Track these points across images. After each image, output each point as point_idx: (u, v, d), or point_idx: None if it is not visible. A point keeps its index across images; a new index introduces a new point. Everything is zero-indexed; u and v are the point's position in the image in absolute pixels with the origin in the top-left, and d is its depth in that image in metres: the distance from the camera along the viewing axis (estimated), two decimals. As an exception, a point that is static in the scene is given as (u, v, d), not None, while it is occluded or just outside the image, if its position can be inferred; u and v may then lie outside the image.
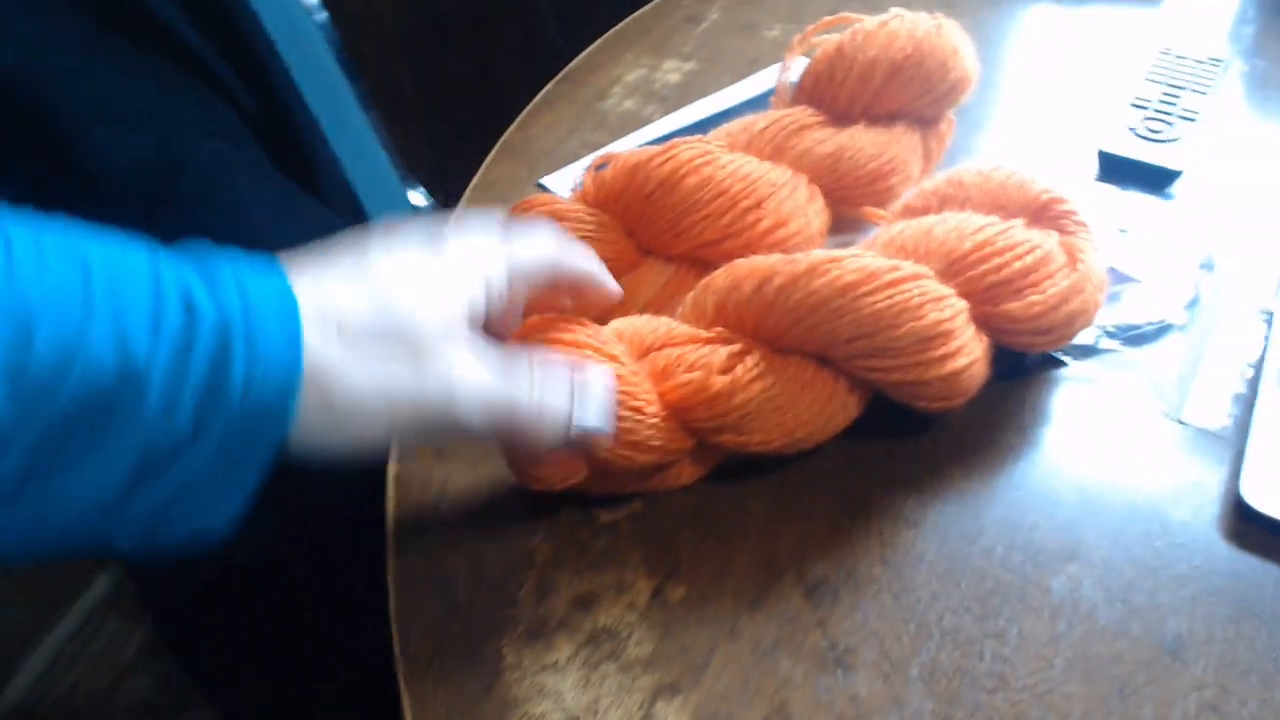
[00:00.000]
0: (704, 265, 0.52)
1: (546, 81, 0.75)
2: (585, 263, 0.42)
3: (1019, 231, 0.45)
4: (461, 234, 0.38)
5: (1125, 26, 0.76)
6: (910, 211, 0.51)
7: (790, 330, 0.43)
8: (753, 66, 0.74)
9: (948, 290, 0.43)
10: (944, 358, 0.42)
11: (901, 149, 0.56)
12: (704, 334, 0.45)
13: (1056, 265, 0.45)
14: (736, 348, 0.44)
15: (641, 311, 0.50)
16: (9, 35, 0.74)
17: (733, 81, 0.73)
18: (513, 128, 0.70)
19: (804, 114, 0.56)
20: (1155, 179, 0.60)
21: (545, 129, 0.70)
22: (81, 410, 0.28)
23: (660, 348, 0.44)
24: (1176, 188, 0.60)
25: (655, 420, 0.42)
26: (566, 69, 0.76)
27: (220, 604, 0.77)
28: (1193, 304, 0.53)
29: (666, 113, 0.70)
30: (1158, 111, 0.63)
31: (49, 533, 0.30)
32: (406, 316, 0.34)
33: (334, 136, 0.97)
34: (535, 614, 0.43)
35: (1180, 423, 0.47)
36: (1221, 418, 0.47)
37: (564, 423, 0.37)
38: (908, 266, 0.43)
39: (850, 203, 0.56)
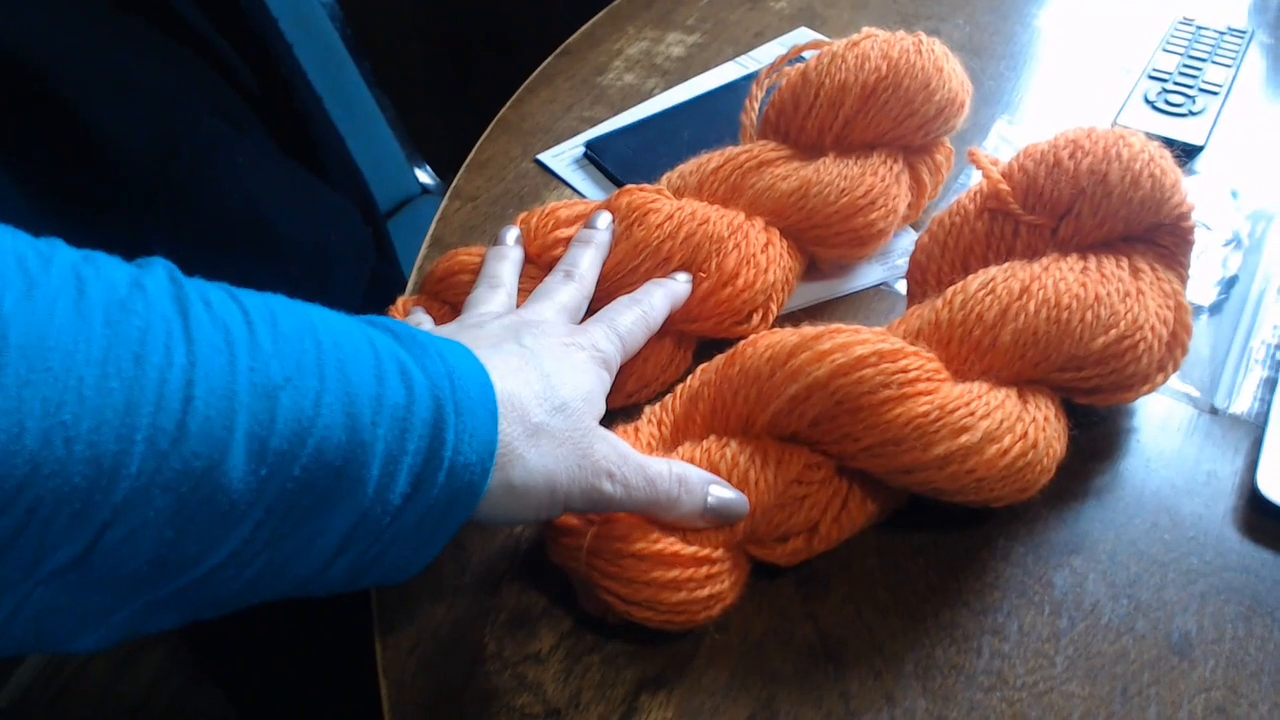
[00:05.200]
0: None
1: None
2: (665, 306, 0.46)
3: (1122, 306, 0.39)
4: (586, 329, 0.42)
5: (1147, -4, 0.73)
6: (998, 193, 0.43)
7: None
8: (758, 39, 0.72)
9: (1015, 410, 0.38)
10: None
11: (879, 180, 0.49)
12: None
13: (1163, 341, 0.41)
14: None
15: None
16: (11, 11, 0.73)
17: (737, 54, 0.71)
18: (509, 104, 0.68)
19: (765, 149, 0.50)
20: (1175, 154, 0.57)
21: (542, 105, 0.68)
22: (311, 483, 0.27)
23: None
24: (1199, 163, 0.58)
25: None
26: (565, 43, 0.74)
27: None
28: (1220, 284, 0.51)
29: (668, 87, 0.68)
30: (1177, 84, 0.60)
31: (256, 594, 0.30)
32: (567, 403, 0.35)
33: (338, 115, 0.96)
34: (519, 603, 0.42)
35: (1213, 409, 0.45)
36: (1250, 402, 0.45)
37: (701, 495, 0.37)
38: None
39: (826, 244, 0.50)
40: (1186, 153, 0.57)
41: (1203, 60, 0.62)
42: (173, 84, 0.83)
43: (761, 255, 0.47)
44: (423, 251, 0.59)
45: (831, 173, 0.49)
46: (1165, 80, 0.61)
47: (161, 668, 1.18)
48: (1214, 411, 0.45)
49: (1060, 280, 0.39)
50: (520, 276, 0.47)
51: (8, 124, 0.74)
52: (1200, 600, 0.39)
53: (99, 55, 0.78)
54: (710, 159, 0.51)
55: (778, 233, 0.49)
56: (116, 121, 0.77)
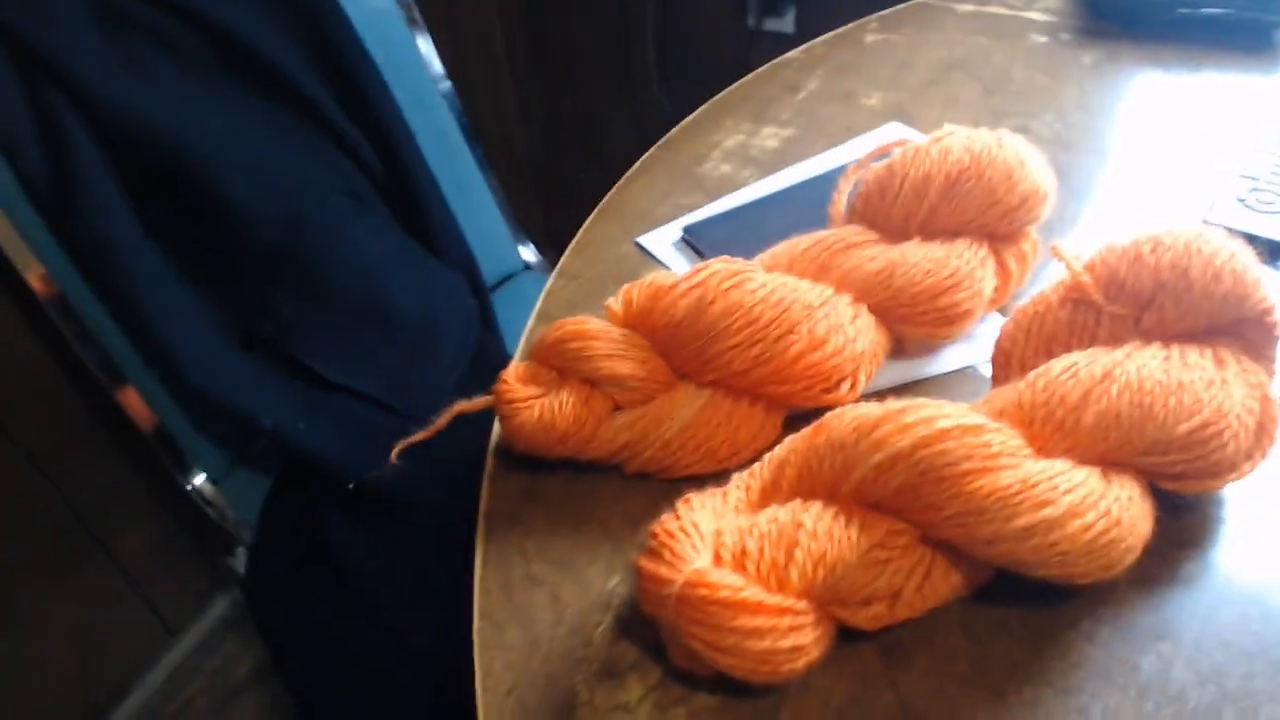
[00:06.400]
0: (740, 392, 0.50)
1: (654, 143, 0.79)
2: None
3: (1206, 394, 0.40)
4: None
5: (1234, 97, 0.75)
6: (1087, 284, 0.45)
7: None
8: (849, 133, 0.76)
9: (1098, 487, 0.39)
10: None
11: (964, 263, 0.52)
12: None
13: (1249, 430, 0.42)
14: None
15: (680, 434, 0.49)
16: (160, 99, 0.83)
17: (828, 147, 0.75)
18: (613, 191, 0.74)
19: (853, 232, 0.54)
20: (1267, 252, 0.58)
21: (642, 191, 0.73)
22: None
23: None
24: (1290, 261, 0.58)
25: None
26: (667, 136, 0.79)
27: (325, 632, 0.81)
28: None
29: (762, 176, 0.73)
30: (1269, 183, 0.61)
31: None
32: None
33: (452, 195, 1.03)
34: (610, 654, 0.44)
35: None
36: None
37: None
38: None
39: (913, 323, 0.52)
40: (1277, 251, 0.58)
41: (1295, 160, 0.63)
42: (303, 164, 0.91)
43: (850, 326, 0.50)
44: (530, 324, 0.63)
45: (917, 255, 0.52)
46: (1256, 180, 0.62)
47: (259, 713, 1.23)
48: (1306, 504, 0.45)
49: (1143, 366, 0.41)
50: (623, 343, 0.51)
51: (158, 199, 0.83)
52: (1291, 692, 0.39)
53: (238, 137, 0.87)
54: (800, 241, 0.54)
55: (865, 308, 0.52)
56: (251, 198, 0.85)
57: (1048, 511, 0.37)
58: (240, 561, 0.89)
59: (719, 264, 0.51)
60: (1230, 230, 0.59)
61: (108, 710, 1.20)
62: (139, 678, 1.23)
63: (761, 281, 0.50)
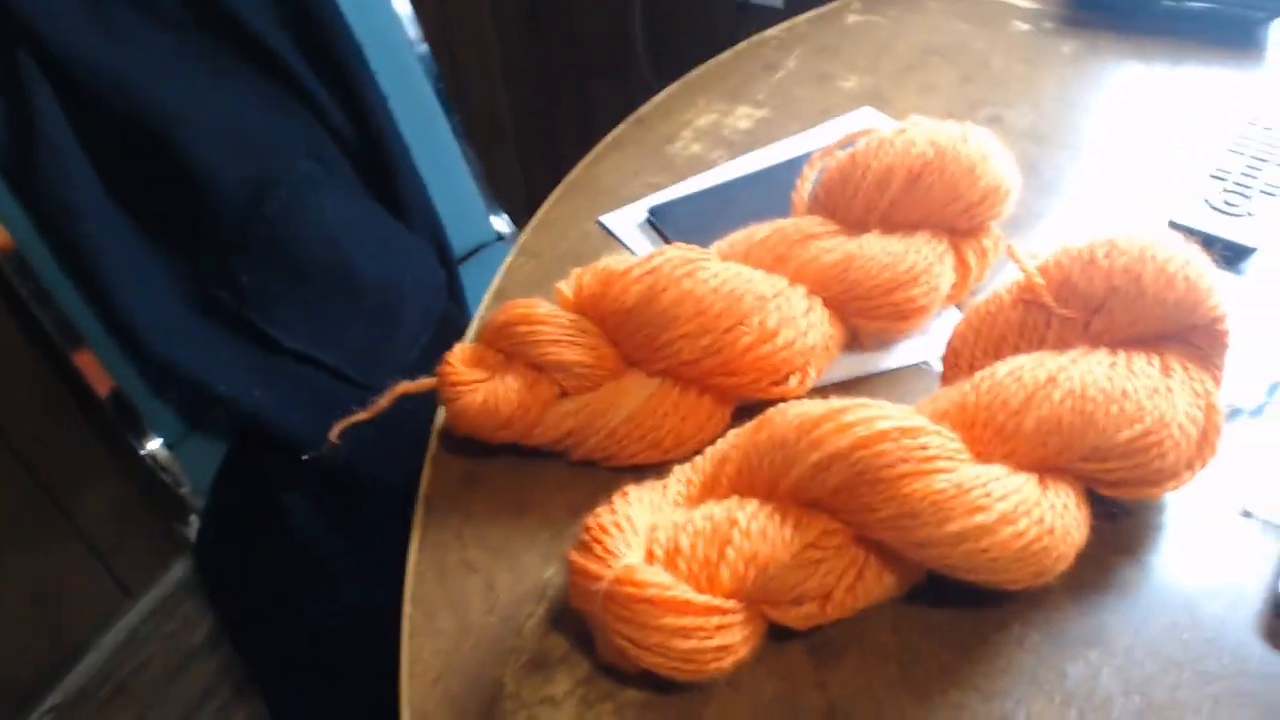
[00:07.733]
0: (689, 381, 0.49)
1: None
2: None
3: (1149, 402, 0.40)
4: None
5: (1214, 93, 0.74)
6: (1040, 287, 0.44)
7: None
8: (823, 116, 0.75)
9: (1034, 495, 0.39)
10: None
11: (922, 258, 0.51)
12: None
13: (1191, 440, 0.41)
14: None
15: (626, 423, 0.48)
16: (133, 59, 0.81)
17: (801, 129, 0.73)
18: (579, 167, 0.72)
19: (812, 223, 0.53)
20: (1228, 255, 0.57)
21: (611, 168, 0.72)
22: None
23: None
24: (1250, 265, 0.58)
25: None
26: (638, 113, 0.77)
27: (274, 600, 0.81)
28: (1269, 388, 0.51)
29: (732, 158, 0.71)
30: (1237, 184, 0.61)
31: None
32: None
33: (426, 163, 1.01)
34: (540, 646, 0.43)
35: (1245, 513, 0.45)
36: (1283, 510, 0.45)
37: None
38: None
39: (867, 316, 0.52)
40: (1239, 254, 0.57)
41: (1265, 161, 0.62)
42: (272, 128, 0.89)
43: (803, 319, 0.49)
44: (485, 302, 0.62)
45: (875, 248, 0.51)
46: (1225, 180, 0.61)
47: (213, 677, 1.23)
48: (1246, 515, 0.45)
49: (1087, 373, 0.40)
50: (572, 329, 0.50)
51: (122, 162, 0.82)
52: (1214, 703, 0.39)
53: (206, 98, 0.85)
54: (758, 230, 0.53)
55: (820, 301, 0.51)
56: (217, 161, 0.84)
57: (980, 517, 0.37)
58: (194, 529, 0.89)
59: (673, 251, 0.50)
60: (1194, 232, 0.58)
61: (64, 670, 1.20)
62: (96, 639, 1.23)
63: (714, 271, 0.49)
